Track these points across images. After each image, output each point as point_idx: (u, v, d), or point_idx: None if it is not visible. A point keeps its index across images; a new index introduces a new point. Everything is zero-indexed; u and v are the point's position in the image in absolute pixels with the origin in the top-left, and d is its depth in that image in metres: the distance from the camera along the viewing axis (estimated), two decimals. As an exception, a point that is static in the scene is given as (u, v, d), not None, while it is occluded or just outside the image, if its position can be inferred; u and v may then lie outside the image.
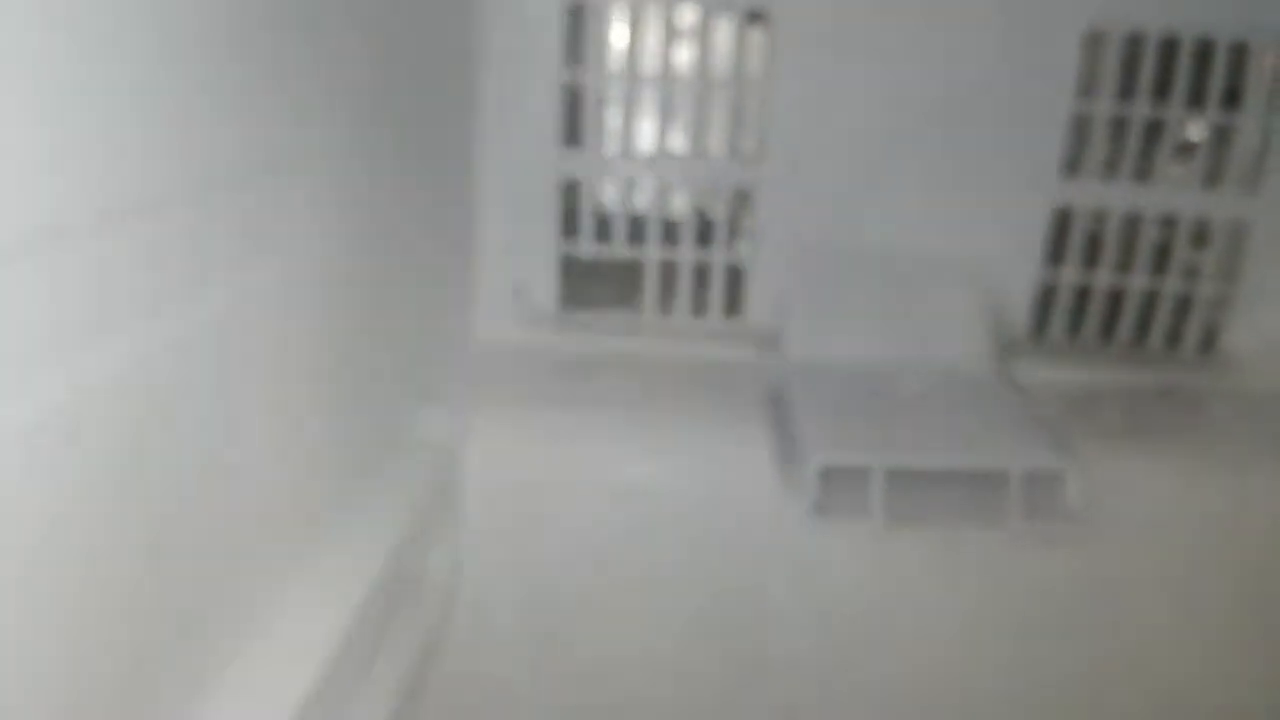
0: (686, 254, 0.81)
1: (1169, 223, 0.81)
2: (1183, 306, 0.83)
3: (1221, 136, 0.80)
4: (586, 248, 0.81)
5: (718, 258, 0.81)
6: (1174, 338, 0.83)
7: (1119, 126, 0.79)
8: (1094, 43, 0.77)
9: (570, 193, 0.80)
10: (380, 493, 0.58)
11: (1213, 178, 0.80)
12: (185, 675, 0.39)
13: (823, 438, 0.64)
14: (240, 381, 0.42)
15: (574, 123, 0.78)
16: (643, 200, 0.83)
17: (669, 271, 0.82)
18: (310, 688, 0.43)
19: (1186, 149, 0.81)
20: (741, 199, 0.81)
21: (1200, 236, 0.82)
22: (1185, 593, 0.67)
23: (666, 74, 0.77)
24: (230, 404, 0.41)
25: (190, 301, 0.37)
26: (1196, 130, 0.81)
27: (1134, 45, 0.77)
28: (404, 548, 0.56)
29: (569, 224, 0.81)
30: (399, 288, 0.61)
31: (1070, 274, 0.82)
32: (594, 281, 0.85)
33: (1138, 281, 0.82)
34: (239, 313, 0.41)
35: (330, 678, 0.45)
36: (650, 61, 0.77)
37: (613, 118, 0.79)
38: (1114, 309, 0.83)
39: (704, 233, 0.82)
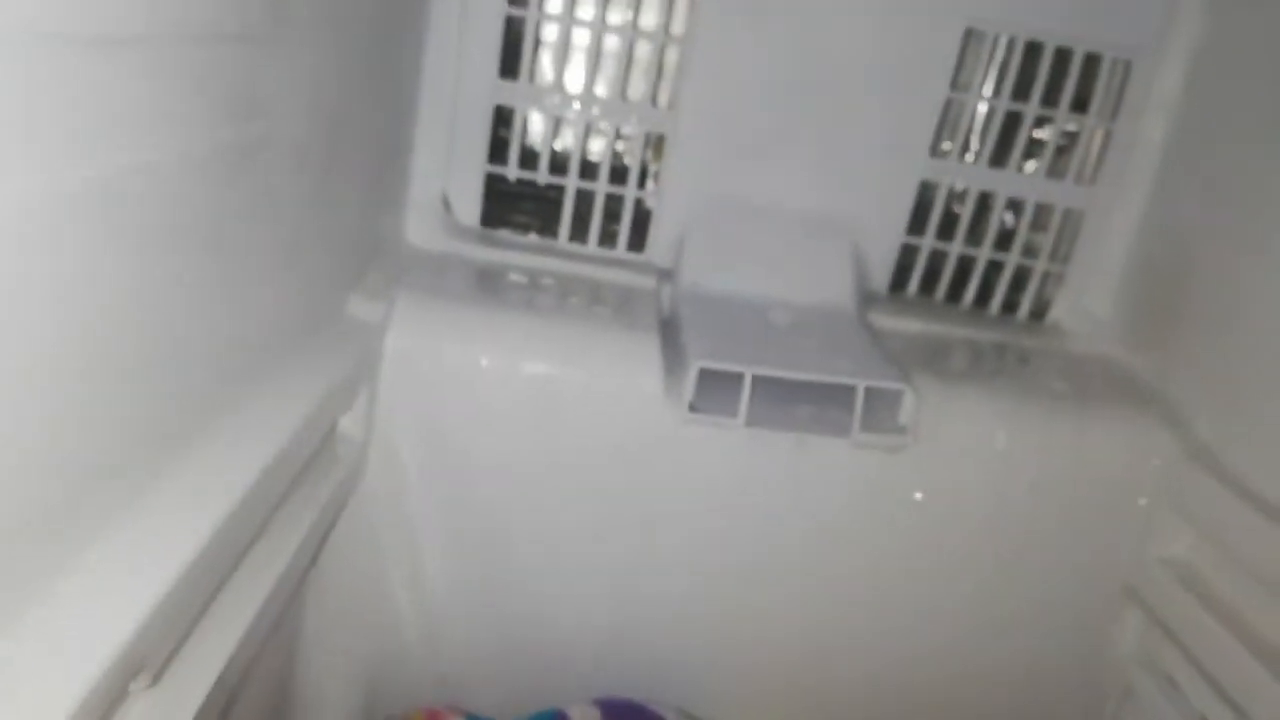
0: (601, 188, 0.90)
1: (1016, 205, 0.94)
2: (1020, 280, 0.96)
3: (1069, 136, 0.93)
4: (512, 171, 0.89)
5: (629, 196, 0.91)
6: (1010, 306, 0.97)
7: (986, 117, 0.92)
8: (971, 40, 0.88)
9: (500, 122, 0.89)
10: (310, 358, 0.65)
11: (1056, 171, 0.93)
12: (103, 499, 0.42)
13: (703, 347, 0.74)
14: (193, 233, 0.46)
15: (511, 57, 0.86)
16: (565, 141, 0.92)
17: (583, 206, 0.91)
18: (228, 514, 0.47)
19: (1037, 143, 0.94)
20: (654, 145, 0.91)
21: (1041, 221, 0.95)
22: (992, 509, 0.80)
23: (600, 21, 0.86)
24: (181, 252, 0.45)
25: (164, 137, 0.42)
26: (1047, 133, 0.94)
27: (1006, 47, 0.89)
28: (325, 404, 0.63)
29: (496, 152, 0.89)
30: (345, 178, 0.68)
31: (927, 242, 0.94)
32: (513, 209, 0.94)
33: (984, 254, 0.95)
34: (208, 167, 0.46)
35: (247, 506, 0.50)
36: (586, 10, 0.86)
37: (546, 58, 0.88)
38: (962, 277, 0.96)
39: (618, 176, 0.91)
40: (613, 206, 0.92)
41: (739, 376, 0.73)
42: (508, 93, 0.87)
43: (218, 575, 0.49)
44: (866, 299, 0.91)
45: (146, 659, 0.42)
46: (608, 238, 0.93)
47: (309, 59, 0.57)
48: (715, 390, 0.73)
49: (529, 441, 0.76)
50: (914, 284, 0.95)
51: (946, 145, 0.93)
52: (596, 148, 0.92)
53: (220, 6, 0.46)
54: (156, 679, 0.44)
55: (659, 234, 0.92)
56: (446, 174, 0.88)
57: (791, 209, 0.91)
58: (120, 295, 0.41)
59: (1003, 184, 0.93)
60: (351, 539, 0.74)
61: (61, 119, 0.35)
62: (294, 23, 0.54)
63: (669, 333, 0.81)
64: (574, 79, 0.88)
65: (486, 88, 0.86)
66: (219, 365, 0.53)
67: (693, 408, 0.73)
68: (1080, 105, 0.91)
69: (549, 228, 0.93)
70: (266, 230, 0.56)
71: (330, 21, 0.60)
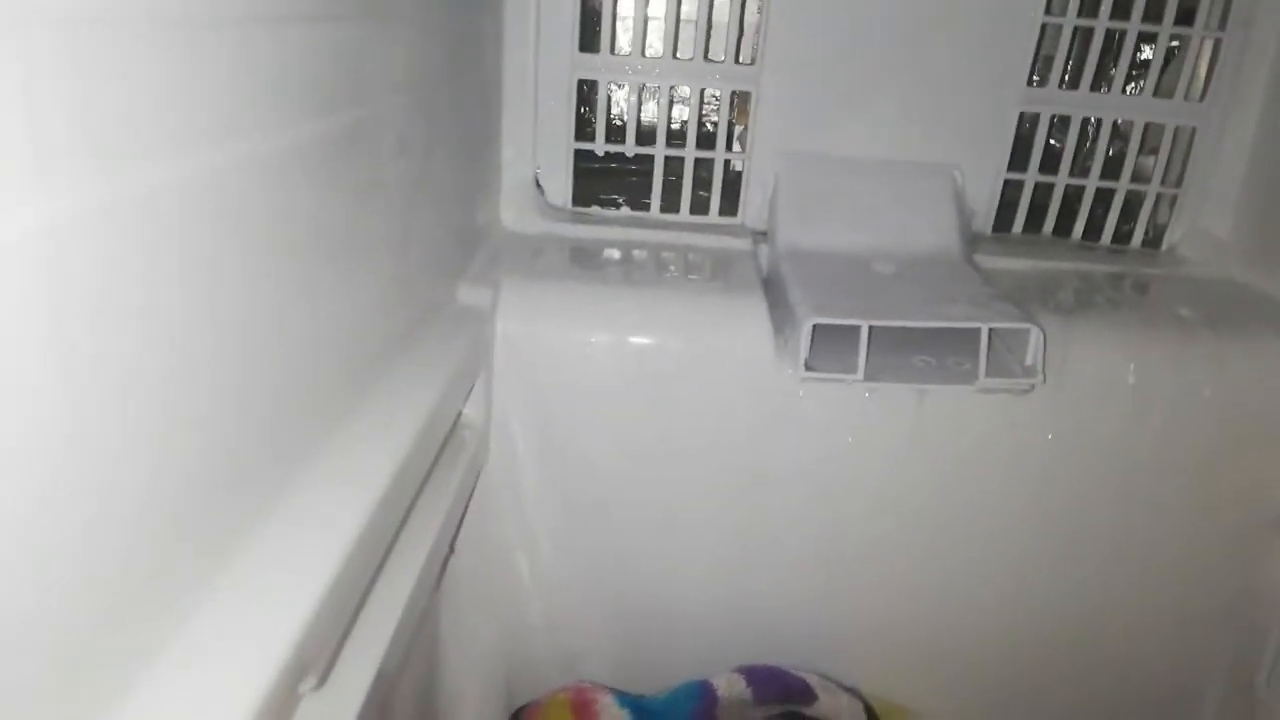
0: (689, 154, 0.89)
1: (1121, 130, 0.90)
2: (1131, 207, 0.92)
3: (1173, 52, 0.88)
4: (600, 145, 0.88)
5: (718, 159, 0.89)
6: (1123, 236, 0.93)
7: (1082, 40, 0.87)
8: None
9: (584, 99, 0.88)
10: (430, 347, 0.65)
11: (1163, 89, 0.89)
12: (245, 506, 0.42)
13: (813, 303, 0.73)
14: (309, 223, 0.45)
15: (589, 30, 0.85)
16: (649, 111, 0.90)
17: (671, 175, 0.90)
18: (376, 507, 0.47)
19: (1140, 63, 0.89)
20: (739, 107, 0.89)
21: (1150, 143, 0.90)
22: (1128, 446, 0.76)
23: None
24: (299, 243, 0.44)
25: (276, 129, 0.41)
26: (1149, 51, 0.89)
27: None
28: (450, 392, 0.63)
29: (582, 128, 0.88)
30: (444, 164, 0.68)
31: (1030, 176, 0.90)
32: (602, 186, 0.93)
33: (1091, 184, 0.91)
34: (318, 156, 0.46)
35: (388, 501, 0.49)
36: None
37: (624, 28, 0.87)
38: (1069, 210, 0.92)
39: (704, 141, 0.89)
40: (701, 173, 0.90)
41: (850, 331, 0.71)
42: (588, 66, 0.86)
43: (370, 568, 0.49)
44: (970, 241, 0.88)
45: (313, 659, 0.41)
46: (699, 204, 0.91)
47: (402, 43, 0.57)
48: (826, 347, 0.72)
49: (640, 414, 0.76)
50: (1019, 222, 0.92)
51: (1043, 74, 0.89)
52: (681, 115, 0.90)
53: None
54: (323, 680, 0.43)
55: (750, 195, 0.91)
56: (535, 154, 0.88)
57: (885, 155, 0.88)
58: (247, 291, 0.40)
59: (1106, 108, 0.89)
60: (477, 524, 0.74)
61: (159, 111, 0.33)
62: (384, 2, 0.54)
63: (772, 293, 0.79)
64: (654, 44, 0.87)
65: (567, 62, 0.85)
66: (346, 359, 0.53)
67: (808, 366, 0.72)
68: (1185, 18, 0.87)
69: (639, 200, 0.92)
70: (379, 220, 0.56)
71: (417, 3, 0.59)
